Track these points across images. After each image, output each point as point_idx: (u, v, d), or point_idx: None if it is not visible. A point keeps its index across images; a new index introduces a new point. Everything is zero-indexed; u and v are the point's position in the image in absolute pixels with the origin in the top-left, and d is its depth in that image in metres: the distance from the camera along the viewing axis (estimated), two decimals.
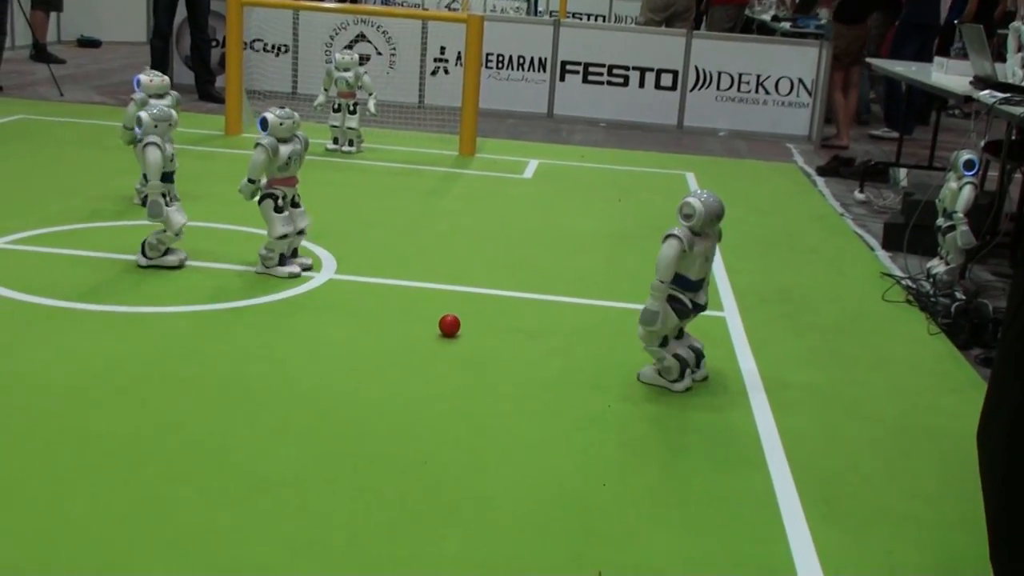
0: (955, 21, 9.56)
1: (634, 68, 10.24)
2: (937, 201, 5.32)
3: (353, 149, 7.85)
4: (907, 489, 3.30)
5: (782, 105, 10.17)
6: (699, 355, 3.96)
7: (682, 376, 3.87)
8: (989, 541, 2.59)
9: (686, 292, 3.84)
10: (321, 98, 7.93)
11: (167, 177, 4.74)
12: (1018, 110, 5.38)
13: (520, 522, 2.92)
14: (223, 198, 5.98)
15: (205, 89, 9.86)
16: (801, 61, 10.09)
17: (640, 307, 3.80)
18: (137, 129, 4.75)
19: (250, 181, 4.71)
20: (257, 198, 4.76)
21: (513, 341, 4.28)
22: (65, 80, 10.04)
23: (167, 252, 4.82)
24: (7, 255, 4.93)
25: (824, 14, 11.84)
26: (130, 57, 12.22)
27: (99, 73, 11.25)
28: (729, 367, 4.17)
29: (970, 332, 4.71)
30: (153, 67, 8.88)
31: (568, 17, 15.14)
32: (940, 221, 5.23)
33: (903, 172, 7.98)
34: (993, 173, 6.68)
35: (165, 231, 4.74)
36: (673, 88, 10.23)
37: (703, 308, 3.91)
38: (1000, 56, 6.82)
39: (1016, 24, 6.48)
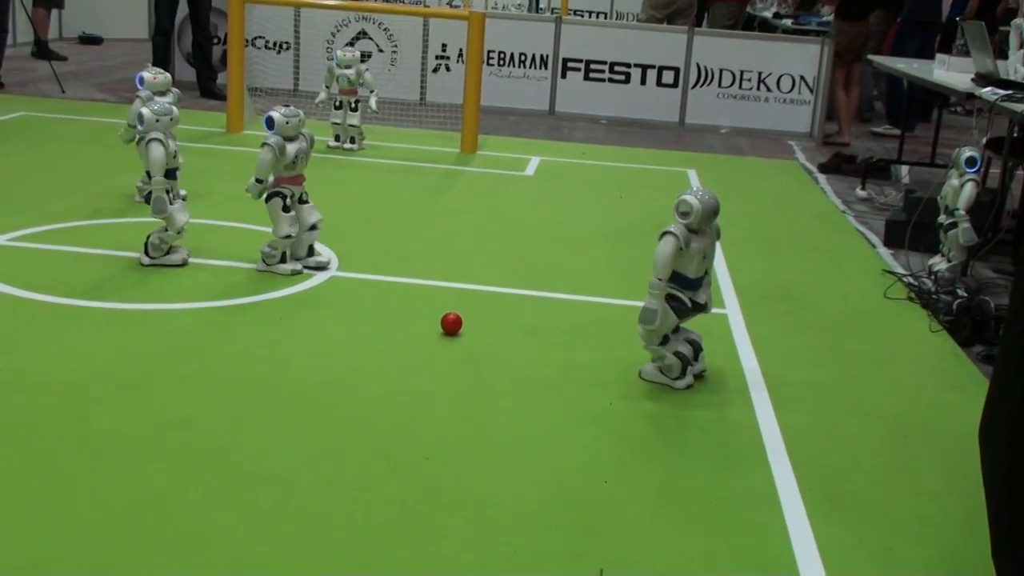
0: (957, 18, 9.55)
1: (636, 65, 10.23)
2: (939, 198, 5.32)
3: (354, 146, 7.84)
4: (909, 486, 3.30)
5: (784, 102, 10.16)
6: (697, 348, 3.94)
7: (683, 374, 3.86)
8: (991, 538, 2.59)
9: (685, 290, 3.83)
10: (323, 95, 7.94)
11: (171, 174, 4.75)
12: (1020, 107, 5.37)
13: (520, 520, 2.92)
14: (225, 195, 5.99)
15: (207, 86, 9.85)
16: (803, 58, 10.07)
17: (641, 304, 3.80)
18: (139, 125, 4.75)
19: (258, 180, 4.71)
20: (264, 196, 4.76)
21: (514, 338, 4.27)
22: (67, 77, 10.04)
23: (170, 251, 4.82)
24: (9, 252, 4.93)
25: (826, 11, 11.83)
26: (132, 54, 12.22)
27: (101, 70, 11.24)
28: (730, 364, 4.16)
29: (972, 329, 4.71)
30: (155, 64, 8.78)
31: (569, 14, 15.13)
32: (942, 218, 5.22)
33: (905, 169, 7.98)
34: (995, 170, 6.68)
35: (167, 230, 4.74)
36: (675, 85, 10.22)
37: (704, 308, 3.89)
38: (1002, 53, 6.80)
39: (1018, 21, 6.46)
